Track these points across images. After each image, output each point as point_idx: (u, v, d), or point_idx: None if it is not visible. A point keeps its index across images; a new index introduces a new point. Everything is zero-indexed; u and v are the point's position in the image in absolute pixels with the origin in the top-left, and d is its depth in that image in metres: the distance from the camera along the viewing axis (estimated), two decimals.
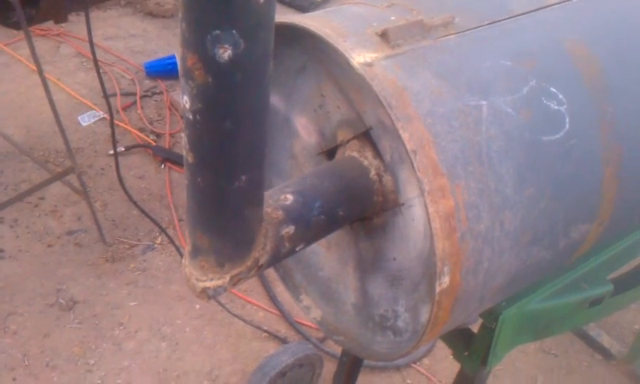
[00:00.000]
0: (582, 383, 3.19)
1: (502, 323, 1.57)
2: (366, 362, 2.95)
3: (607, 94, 1.33)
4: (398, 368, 3.14)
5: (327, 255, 1.61)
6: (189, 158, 1.09)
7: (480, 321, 1.63)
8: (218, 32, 0.93)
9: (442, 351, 3.23)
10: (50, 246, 3.62)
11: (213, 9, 0.91)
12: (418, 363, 3.18)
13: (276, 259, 1.28)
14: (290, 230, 1.26)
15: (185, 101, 1.02)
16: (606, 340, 3.26)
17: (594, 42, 1.38)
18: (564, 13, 1.41)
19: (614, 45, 1.41)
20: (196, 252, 1.21)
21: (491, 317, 1.57)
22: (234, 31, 0.93)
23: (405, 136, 1.09)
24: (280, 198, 1.29)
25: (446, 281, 1.11)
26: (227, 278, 1.21)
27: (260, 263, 1.24)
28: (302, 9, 5.94)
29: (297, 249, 1.30)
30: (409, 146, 1.08)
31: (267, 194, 1.28)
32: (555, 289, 1.64)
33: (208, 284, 1.21)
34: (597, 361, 3.28)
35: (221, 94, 0.99)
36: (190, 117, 1.03)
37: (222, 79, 0.98)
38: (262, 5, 0.94)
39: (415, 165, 1.08)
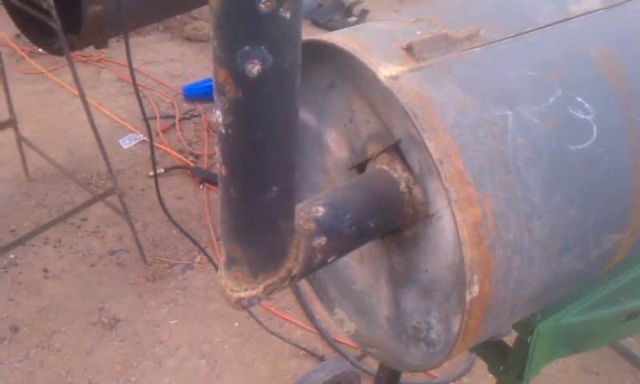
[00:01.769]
0: None
1: (538, 336, 1.56)
2: (403, 379, 2.93)
3: (634, 102, 1.33)
4: None
5: (360, 269, 1.63)
6: (222, 170, 1.13)
7: (515, 334, 1.62)
8: (247, 48, 0.97)
9: (482, 370, 3.19)
10: (92, 265, 3.71)
11: (242, 26, 0.96)
12: (456, 382, 3.15)
13: (308, 270, 1.31)
14: (321, 241, 1.28)
15: (217, 115, 1.06)
16: None
17: (619, 51, 1.38)
18: (588, 23, 1.41)
19: (639, 52, 1.41)
20: (230, 263, 1.24)
21: (526, 330, 1.56)
22: (262, 47, 0.97)
23: (431, 146, 1.11)
24: (311, 210, 1.31)
25: (475, 290, 1.11)
26: (261, 288, 1.24)
27: (293, 274, 1.27)
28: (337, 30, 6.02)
29: (329, 260, 1.32)
30: (435, 156, 1.10)
31: (299, 206, 1.31)
32: (591, 301, 1.62)
33: (242, 294, 1.24)
34: None
35: (251, 107, 1.03)
36: (223, 131, 1.07)
37: (251, 93, 1.01)
38: (289, 21, 0.97)
39: (442, 174, 1.09)
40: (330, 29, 6.17)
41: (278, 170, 1.13)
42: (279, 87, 1.03)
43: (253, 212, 1.15)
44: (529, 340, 1.56)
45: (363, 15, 6.78)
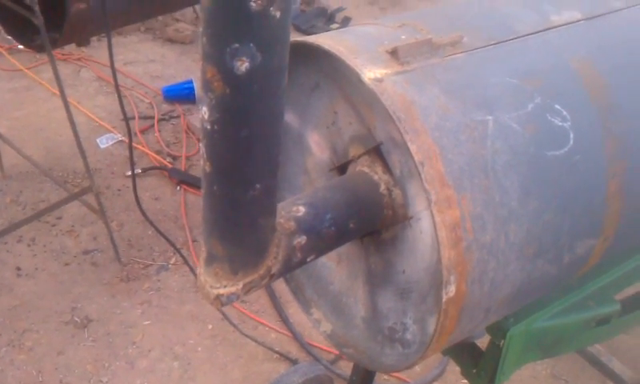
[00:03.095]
0: None
1: (510, 340, 1.59)
2: (376, 383, 2.95)
3: (612, 111, 1.37)
4: None
5: (338, 269, 1.65)
6: (206, 167, 1.14)
7: (488, 338, 1.65)
8: (236, 45, 0.98)
9: (453, 375, 3.22)
10: (66, 264, 3.67)
11: (232, 23, 0.97)
12: None
13: (288, 269, 1.32)
14: (301, 240, 1.30)
15: (204, 112, 1.07)
16: (617, 366, 3.23)
17: (600, 61, 1.42)
18: (569, 33, 1.45)
19: (619, 63, 1.45)
20: (211, 259, 1.25)
21: (499, 333, 1.59)
22: (251, 45, 0.99)
23: (413, 148, 1.13)
24: (292, 209, 1.33)
25: (452, 290, 1.14)
26: (240, 285, 1.25)
27: (272, 272, 1.28)
28: None
29: (308, 259, 1.34)
30: (416, 158, 1.13)
31: (280, 205, 1.32)
32: (563, 307, 1.66)
33: (222, 291, 1.25)
34: None
35: (238, 104, 1.04)
36: (209, 127, 1.08)
37: (239, 90, 1.03)
38: (279, 20, 0.99)
39: (423, 176, 1.12)
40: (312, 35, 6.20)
41: (261, 168, 1.14)
42: (267, 86, 1.05)
43: (235, 209, 1.17)
44: (501, 344, 1.60)
45: (345, 23, 6.83)
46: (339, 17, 6.97)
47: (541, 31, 1.44)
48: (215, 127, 1.07)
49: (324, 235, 1.34)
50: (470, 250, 1.14)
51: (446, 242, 1.11)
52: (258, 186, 1.14)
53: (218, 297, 1.25)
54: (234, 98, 1.04)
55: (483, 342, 1.67)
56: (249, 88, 1.03)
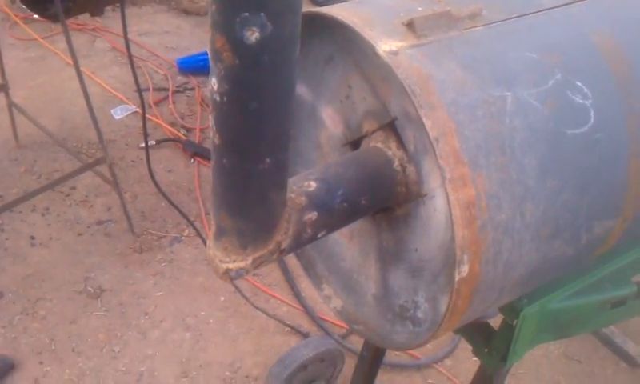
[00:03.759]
0: None
1: (523, 320, 1.56)
2: (387, 359, 2.95)
3: (635, 88, 1.33)
4: (418, 368, 3.14)
5: (349, 246, 1.62)
6: (215, 139, 1.11)
7: (501, 317, 1.63)
8: (246, 14, 0.95)
9: (465, 352, 3.21)
10: (79, 234, 3.69)
11: None
12: (439, 363, 3.17)
13: (298, 244, 1.30)
14: (312, 216, 1.27)
15: (213, 83, 1.04)
16: (631, 348, 3.21)
17: (623, 37, 1.37)
18: (592, 7, 1.40)
19: None
20: (220, 234, 1.23)
21: (512, 313, 1.57)
22: (262, 14, 0.96)
23: (428, 124, 1.10)
24: (304, 184, 1.30)
25: (465, 269, 1.11)
26: (249, 260, 1.23)
27: (282, 247, 1.26)
28: None
29: (319, 235, 1.31)
30: (431, 134, 1.09)
31: (291, 180, 1.30)
32: (578, 288, 1.63)
33: (230, 265, 1.23)
34: (621, 368, 3.22)
35: (248, 75, 1.01)
36: (218, 98, 1.05)
37: (249, 61, 1.00)
38: None
39: (437, 152, 1.09)
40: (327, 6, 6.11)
41: (272, 141, 1.11)
42: (277, 56, 1.02)
43: (245, 183, 1.14)
44: (514, 323, 1.57)
45: None
46: None
47: (562, 5, 1.39)
48: (224, 99, 1.05)
49: (335, 211, 1.31)
50: (484, 230, 1.12)
51: (460, 221, 1.08)
52: (268, 159, 1.12)
53: (226, 271, 1.24)
54: (244, 69, 1.01)
55: (496, 320, 1.65)
56: (259, 59, 1.00)
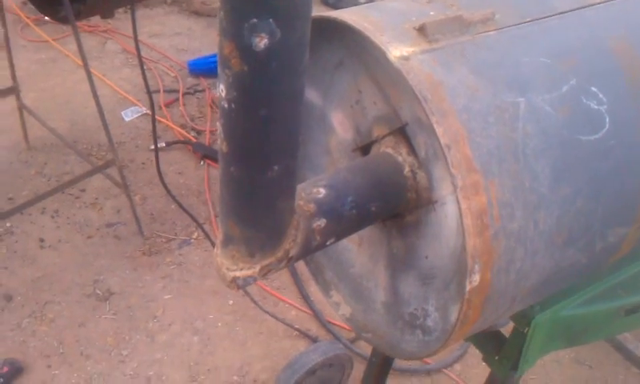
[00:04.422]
0: None
1: (535, 328, 1.54)
2: (396, 364, 2.93)
3: None
4: (428, 373, 3.11)
5: (359, 252, 1.61)
6: (223, 147, 1.10)
7: (512, 324, 1.61)
8: (255, 21, 0.94)
9: (474, 358, 3.19)
10: (89, 237, 3.69)
11: None
12: (449, 368, 3.14)
13: (306, 252, 1.28)
14: (321, 223, 1.26)
15: (221, 89, 1.03)
16: None
17: (638, 41, 1.35)
18: (607, 11, 1.38)
19: None
20: (227, 241, 1.22)
21: (524, 321, 1.55)
22: (270, 20, 0.94)
23: (439, 130, 1.08)
24: (312, 191, 1.29)
25: (476, 279, 1.09)
26: (257, 268, 1.22)
27: (290, 255, 1.24)
28: None
29: (327, 243, 1.30)
30: (443, 141, 1.07)
31: (300, 186, 1.28)
32: (591, 295, 1.60)
33: (238, 273, 1.22)
34: (633, 374, 3.19)
35: (256, 82, 1.00)
36: (226, 105, 1.04)
37: (257, 68, 0.98)
38: None
39: (449, 160, 1.07)
40: (340, 9, 6.09)
41: (280, 149, 1.10)
42: (286, 63, 1.00)
43: (253, 191, 1.13)
44: (526, 331, 1.55)
45: None
46: None
47: (577, 9, 1.37)
48: (232, 106, 1.03)
49: (345, 218, 1.30)
50: (496, 238, 1.10)
51: (472, 230, 1.06)
52: (276, 167, 1.10)
53: (234, 279, 1.22)
54: (252, 76, 0.99)
55: (507, 327, 1.63)
56: (267, 65, 0.98)
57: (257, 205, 1.15)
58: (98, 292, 3.38)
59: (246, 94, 1.02)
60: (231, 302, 3.40)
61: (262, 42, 0.96)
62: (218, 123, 1.10)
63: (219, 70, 1.03)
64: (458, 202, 1.07)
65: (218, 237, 1.25)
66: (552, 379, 3.15)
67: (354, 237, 1.58)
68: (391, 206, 1.37)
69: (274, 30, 0.95)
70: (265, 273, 1.24)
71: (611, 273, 1.62)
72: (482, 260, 1.09)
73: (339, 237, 1.33)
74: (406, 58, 1.16)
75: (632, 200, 1.31)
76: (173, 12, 6.24)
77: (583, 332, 1.68)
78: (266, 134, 1.06)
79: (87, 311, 3.27)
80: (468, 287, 1.09)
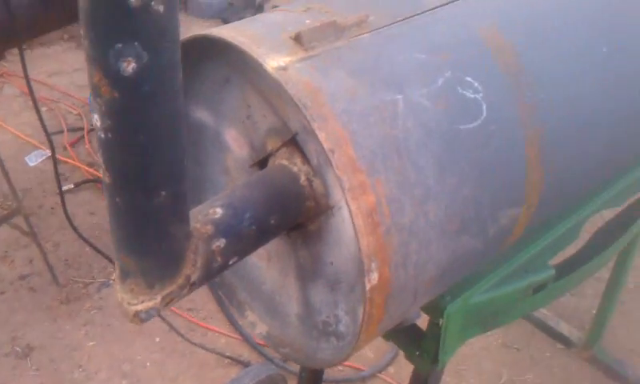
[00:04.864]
0: (545, 374, 3.21)
1: (448, 318, 1.57)
2: (330, 376, 2.93)
3: (524, 77, 1.36)
4: (363, 380, 3.12)
5: (269, 268, 1.59)
6: (105, 178, 1.07)
7: (428, 318, 1.63)
8: (119, 45, 0.92)
9: None
10: (2, 293, 3.52)
11: (112, 22, 0.91)
12: (383, 372, 3.17)
13: (209, 275, 1.26)
14: (220, 243, 1.24)
15: (95, 120, 1.00)
16: (565, 328, 3.29)
17: (508, 28, 1.41)
18: (477, 2, 1.43)
19: (527, 29, 1.44)
20: (124, 275, 1.18)
21: (437, 312, 1.57)
22: (136, 43, 0.92)
23: (321, 136, 1.09)
24: (209, 212, 1.27)
25: (375, 277, 1.10)
26: (158, 298, 1.19)
27: (192, 280, 1.22)
28: None
29: (230, 263, 1.28)
30: (326, 146, 1.08)
31: (196, 209, 1.26)
32: (498, 278, 1.65)
33: (139, 307, 1.18)
34: (558, 350, 3.31)
35: (129, 108, 0.98)
36: (102, 135, 1.01)
37: (128, 93, 0.96)
38: (163, 14, 0.93)
39: (334, 163, 1.08)
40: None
41: (165, 174, 1.07)
42: (158, 86, 0.98)
43: (141, 220, 1.10)
44: (440, 322, 1.57)
45: None
46: (268, 7, 6.88)
47: (448, 3, 1.41)
48: (109, 135, 1.01)
49: (244, 235, 1.28)
50: (389, 234, 1.11)
51: (364, 229, 1.07)
52: (163, 192, 1.08)
53: (136, 313, 1.18)
54: (125, 102, 0.97)
55: (424, 321, 1.65)
56: (139, 90, 0.96)
57: (148, 234, 1.12)
58: (18, 349, 3.22)
59: (121, 121, 0.99)
60: (158, 339, 3.31)
61: (129, 67, 0.94)
62: (98, 154, 1.07)
63: (91, 99, 1.00)
64: (347, 204, 1.07)
65: (115, 272, 1.22)
66: (484, 367, 3.22)
67: (263, 253, 1.56)
68: (291, 217, 1.36)
69: (141, 53, 0.93)
70: (167, 302, 1.21)
71: (514, 254, 1.67)
72: (378, 257, 1.10)
73: (242, 255, 1.31)
74: (283, 68, 1.16)
75: (517, 181, 1.35)
76: (71, 48, 6.06)
77: (496, 315, 1.72)
78: (147, 160, 1.04)
79: (7, 371, 3.11)
80: (368, 286, 1.10)
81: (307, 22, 1.31)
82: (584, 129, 1.49)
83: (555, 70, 1.43)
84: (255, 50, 1.21)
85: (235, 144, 1.57)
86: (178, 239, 1.16)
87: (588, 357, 3.18)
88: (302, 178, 1.36)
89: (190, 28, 6.50)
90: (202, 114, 1.59)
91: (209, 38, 1.32)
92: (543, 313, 3.32)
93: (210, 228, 1.24)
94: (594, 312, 3.20)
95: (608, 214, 2.27)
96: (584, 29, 1.56)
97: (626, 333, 3.42)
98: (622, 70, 1.59)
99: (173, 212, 1.12)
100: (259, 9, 6.85)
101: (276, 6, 5.61)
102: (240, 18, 5.46)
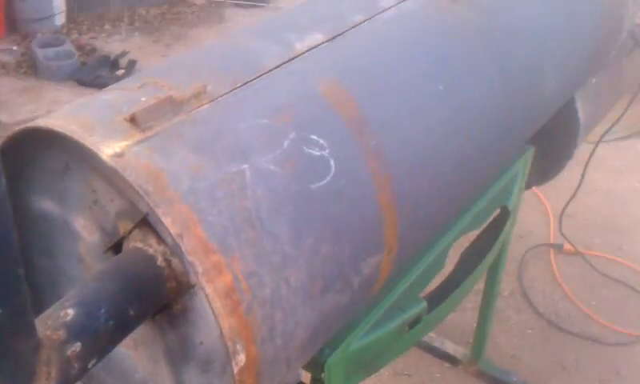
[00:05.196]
0: None
1: (330, 370, 1.56)
2: None
3: (367, 127, 1.38)
4: None
5: (137, 356, 1.50)
6: None
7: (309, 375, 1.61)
8: None
9: None
10: None
11: None
12: None
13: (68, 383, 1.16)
14: (75, 348, 1.15)
15: None
16: (450, 347, 3.39)
17: (346, 80, 1.43)
18: (313, 58, 1.45)
19: (366, 78, 1.47)
20: None
21: (317, 368, 1.55)
22: None
23: (167, 221, 1.04)
24: (60, 314, 1.17)
25: (241, 358, 1.06)
26: None
27: None
28: (104, 86, 5.74)
29: (89, 365, 1.19)
30: (173, 231, 1.04)
31: (44, 315, 1.17)
32: (373, 321, 1.66)
33: None
34: (447, 369, 3.39)
35: None
36: None
37: None
38: None
39: (183, 248, 1.03)
40: (99, 86, 5.84)
41: None
42: None
43: None
44: (322, 376, 1.56)
45: (131, 66, 6.55)
46: (123, 62, 6.69)
47: (285, 62, 1.42)
48: None
49: (101, 334, 1.19)
50: (251, 311, 1.08)
51: (223, 311, 1.03)
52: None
53: None
54: None
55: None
56: None
57: None
58: None
59: None
60: None
61: None
62: None
63: None
64: (203, 289, 1.03)
65: None
66: None
67: (128, 341, 1.47)
68: (152, 303, 1.29)
69: None
70: None
71: (384, 296, 1.69)
72: (242, 337, 1.06)
73: (101, 355, 1.22)
74: (119, 155, 1.11)
75: (374, 229, 1.37)
76: None
77: (377, 357, 1.73)
78: None
79: None
80: (236, 369, 1.06)
81: (142, 100, 1.26)
82: (430, 165, 1.55)
83: (396, 114, 1.47)
84: (88, 139, 1.14)
85: (85, 231, 1.48)
86: (25, 354, 1.07)
87: (474, 371, 3.28)
88: (160, 259, 1.29)
89: (41, 93, 6.18)
90: (46, 205, 1.48)
91: (37, 129, 1.24)
92: (429, 335, 3.40)
93: (61, 333, 1.14)
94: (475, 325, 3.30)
95: (472, 234, 2.36)
96: (420, 70, 1.63)
97: (506, 340, 3.57)
98: (457, 103, 1.67)
99: (15, 327, 1.03)
100: (115, 65, 6.65)
101: (133, 61, 5.44)
102: (96, 77, 5.23)
